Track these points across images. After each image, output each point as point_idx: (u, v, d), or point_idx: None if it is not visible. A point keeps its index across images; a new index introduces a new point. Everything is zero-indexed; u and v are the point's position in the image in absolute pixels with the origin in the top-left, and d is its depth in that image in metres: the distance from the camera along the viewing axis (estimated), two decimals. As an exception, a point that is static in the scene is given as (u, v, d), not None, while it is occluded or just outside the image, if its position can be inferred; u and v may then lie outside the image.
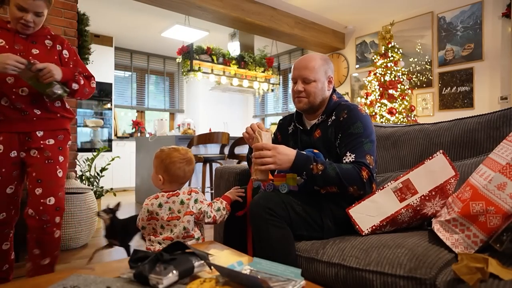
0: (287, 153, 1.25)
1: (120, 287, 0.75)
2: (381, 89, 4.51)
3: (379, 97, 4.51)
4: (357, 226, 1.22)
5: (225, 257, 1.03)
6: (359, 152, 1.28)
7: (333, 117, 1.40)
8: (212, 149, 4.37)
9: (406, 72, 4.58)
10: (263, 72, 5.65)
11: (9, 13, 1.46)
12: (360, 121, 1.33)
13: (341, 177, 1.22)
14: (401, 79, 4.52)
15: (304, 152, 1.30)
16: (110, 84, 6.03)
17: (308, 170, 1.23)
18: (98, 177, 3.27)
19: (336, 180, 1.22)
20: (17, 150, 1.54)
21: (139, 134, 6.56)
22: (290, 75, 1.62)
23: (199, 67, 5.06)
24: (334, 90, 1.50)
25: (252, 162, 1.27)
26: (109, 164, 3.49)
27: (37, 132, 1.54)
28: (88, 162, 3.27)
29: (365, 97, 4.68)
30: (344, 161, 1.30)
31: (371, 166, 1.27)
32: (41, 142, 1.54)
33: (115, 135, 6.26)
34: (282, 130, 1.61)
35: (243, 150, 4.31)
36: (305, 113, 1.49)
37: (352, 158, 1.28)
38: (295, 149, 1.29)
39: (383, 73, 4.53)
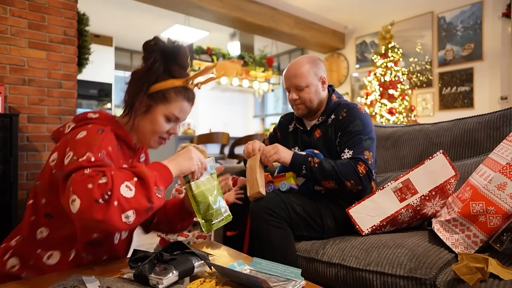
0: (286, 149, 1.35)
1: (120, 287, 0.75)
2: (381, 89, 4.51)
3: (379, 97, 4.51)
4: (357, 226, 1.21)
5: (225, 257, 1.03)
6: (357, 148, 1.29)
7: (333, 117, 1.40)
8: (212, 149, 4.38)
9: (406, 72, 4.59)
10: (263, 72, 5.66)
11: (143, 125, 0.97)
12: (359, 119, 1.34)
13: (337, 170, 1.23)
14: (401, 79, 4.53)
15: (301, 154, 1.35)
16: (110, 84, 6.04)
17: (307, 163, 1.27)
18: (98, 177, 3.27)
19: (332, 173, 1.24)
20: None
21: (139, 134, 6.56)
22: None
23: (199, 67, 5.07)
24: (333, 90, 1.49)
25: (247, 181, 1.32)
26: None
27: None
28: (88, 162, 3.27)
29: (365, 97, 4.69)
30: (342, 158, 1.31)
31: (369, 162, 1.26)
32: None
33: (115, 135, 6.25)
34: (282, 128, 1.61)
35: (242, 150, 4.31)
36: (306, 117, 1.49)
37: (350, 154, 1.29)
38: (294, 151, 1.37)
39: (383, 73, 4.53)
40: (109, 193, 0.71)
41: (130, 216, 0.73)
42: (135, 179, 0.77)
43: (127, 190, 0.73)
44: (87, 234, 0.81)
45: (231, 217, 1.00)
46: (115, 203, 0.70)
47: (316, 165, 1.26)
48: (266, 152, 1.32)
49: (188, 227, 1.15)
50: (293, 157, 1.30)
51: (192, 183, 0.93)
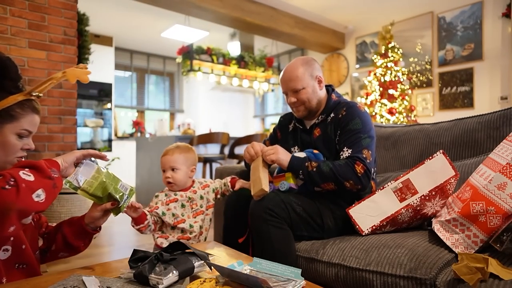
0: (285, 151, 1.38)
1: (120, 287, 0.75)
2: (381, 89, 4.51)
3: (379, 97, 4.51)
4: (357, 226, 1.21)
5: (225, 257, 1.03)
6: (356, 147, 1.29)
7: (332, 115, 1.41)
8: (212, 149, 4.38)
9: (406, 72, 4.58)
10: (263, 72, 5.66)
11: None
12: (358, 117, 1.34)
13: (335, 172, 1.24)
14: (401, 79, 4.52)
15: (300, 154, 1.36)
16: (110, 84, 6.03)
17: (304, 168, 1.29)
18: (98, 177, 3.27)
19: (331, 175, 1.25)
20: None
21: (139, 134, 6.57)
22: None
23: (199, 67, 5.06)
24: (333, 90, 1.50)
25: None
26: (109, 164, 3.49)
27: None
28: (88, 162, 3.27)
29: (365, 97, 4.69)
30: (341, 157, 1.31)
31: (367, 160, 1.27)
32: None
33: (115, 135, 6.26)
34: (282, 127, 1.61)
35: (243, 150, 4.30)
36: (306, 118, 1.49)
37: (349, 153, 1.29)
38: (293, 151, 1.42)
39: (383, 73, 4.53)
40: (12, 179, 0.74)
41: (41, 194, 0.78)
42: (27, 169, 0.80)
43: (26, 176, 0.78)
44: (4, 225, 0.76)
45: (134, 189, 1.07)
46: (23, 185, 0.75)
47: (314, 169, 1.27)
48: (265, 150, 1.37)
49: (90, 243, 1.12)
50: (290, 161, 1.31)
51: (84, 185, 0.96)
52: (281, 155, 1.34)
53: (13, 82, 0.92)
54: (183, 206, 1.34)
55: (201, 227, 1.38)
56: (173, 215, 1.33)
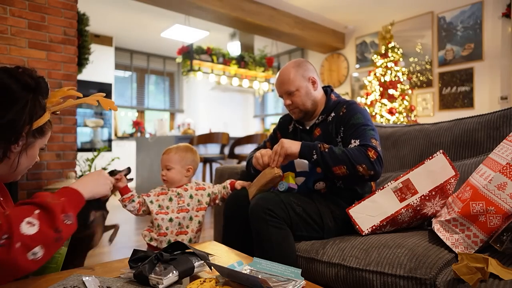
0: (292, 140, 1.33)
1: (120, 287, 0.75)
2: (381, 89, 4.51)
3: (379, 97, 4.51)
4: (357, 226, 1.22)
5: (225, 257, 1.03)
6: (363, 137, 1.29)
7: (333, 114, 1.42)
8: (212, 149, 4.38)
9: (406, 72, 4.58)
10: (263, 72, 5.66)
11: (21, 163, 0.90)
12: (359, 112, 1.36)
13: (348, 155, 1.23)
14: (401, 79, 4.53)
15: None
16: (110, 84, 6.04)
17: (317, 149, 1.27)
18: (98, 177, 3.27)
19: (344, 158, 1.23)
20: None
21: (139, 134, 6.56)
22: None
23: (199, 67, 5.06)
24: (331, 90, 1.50)
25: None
26: (109, 164, 3.49)
27: None
28: (88, 162, 3.28)
29: (365, 97, 4.69)
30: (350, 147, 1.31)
31: (378, 148, 1.27)
32: None
33: (115, 135, 6.26)
34: (282, 128, 1.62)
35: (243, 150, 4.31)
36: (304, 120, 1.50)
37: (357, 143, 1.29)
38: None
39: (383, 73, 4.53)
40: (6, 235, 0.67)
41: (38, 252, 0.70)
42: (37, 211, 0.74)
43: (29, 227, 0.70)
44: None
45: None
46: (18, 244, 0.67)
47: (327, 150, 1.26)
48: (276, 152, 1.31)
49: None
50: (302, 145, 1.30)
51: None
52: (287, 143, 1.30)
53: (45, 101, 0.94)
54: (170, 199, 1.38)
55: (179, 224, 1.36)
56: (159, 206, 1.37)
